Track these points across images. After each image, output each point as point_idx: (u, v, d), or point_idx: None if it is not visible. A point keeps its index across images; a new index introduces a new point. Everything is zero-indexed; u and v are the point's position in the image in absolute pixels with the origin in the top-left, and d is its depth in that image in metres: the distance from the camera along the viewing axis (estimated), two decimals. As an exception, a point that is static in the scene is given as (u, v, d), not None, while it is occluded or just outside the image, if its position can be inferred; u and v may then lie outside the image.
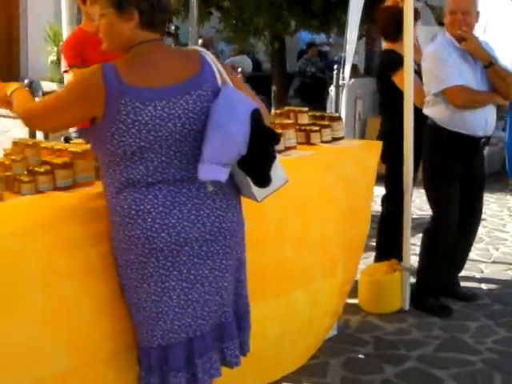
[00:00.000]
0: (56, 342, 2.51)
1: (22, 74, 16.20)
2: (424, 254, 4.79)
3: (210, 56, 2.66)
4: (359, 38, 9.53)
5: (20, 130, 12.18)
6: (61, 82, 13.39)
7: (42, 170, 2.97)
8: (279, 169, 2.75)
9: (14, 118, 13.32)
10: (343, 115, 8.82)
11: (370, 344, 4.27)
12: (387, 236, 5.04)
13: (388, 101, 4.99)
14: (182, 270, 2.57)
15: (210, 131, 2.51)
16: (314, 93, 13.52)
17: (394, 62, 4.79)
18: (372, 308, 4.71)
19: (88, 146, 2.97)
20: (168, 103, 2.50)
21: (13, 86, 2.85)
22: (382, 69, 4.97)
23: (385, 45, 5.10)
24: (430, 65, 4.54)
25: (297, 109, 4.19)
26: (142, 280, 2.57)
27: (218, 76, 2.61)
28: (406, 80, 4.49)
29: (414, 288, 4.81)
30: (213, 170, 2.50)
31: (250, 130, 2.50)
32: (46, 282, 2.50)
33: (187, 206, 2.56)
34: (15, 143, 3.28)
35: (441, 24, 7.32)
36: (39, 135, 6.37)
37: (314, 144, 3.99)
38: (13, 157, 3.05)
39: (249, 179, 2.66)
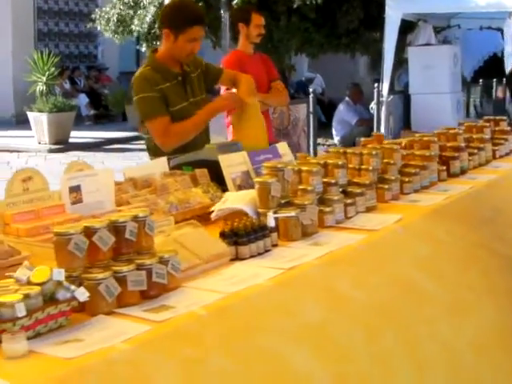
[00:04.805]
0: None
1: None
2: None
3: None
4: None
5: (18, 160, 11.96)
6: (51, 111, 13.17)
7: (412, 171, 3.33)
8: None
9: (10, 151, 13.05)
10: (383, 130, 9.43)
11: None
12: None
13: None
14: None
15: None
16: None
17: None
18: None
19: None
20: None
21: None
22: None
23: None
24: None
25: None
26: None
27: None
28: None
29: None
30: None
31: None
32: None
33: None
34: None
35: None
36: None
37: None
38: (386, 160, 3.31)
39: None
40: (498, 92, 13.94)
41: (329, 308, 2.07)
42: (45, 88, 13.28)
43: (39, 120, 13.31)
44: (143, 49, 11.64)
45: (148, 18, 10.67)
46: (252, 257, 2.28)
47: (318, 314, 2.01)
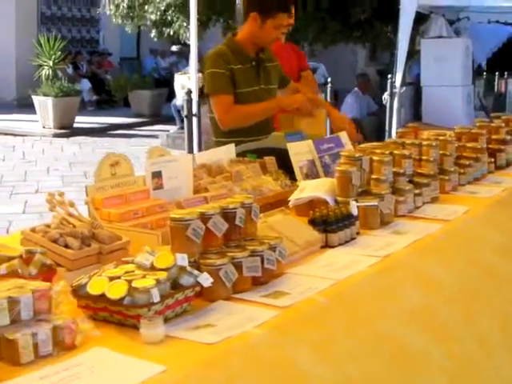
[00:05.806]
0: None
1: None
2: None
3: None
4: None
5: (24, 145, 11.91)
6: (56, 95, 13.11)
7: (466, 162, 3.42)
8: None
9: (15, 134, 12.99)
10: (395, 122, 9.43)
11: None
12: None
13: None
14: None
15: None
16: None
17: None
18: None
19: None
20: None
21: None
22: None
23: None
24: None
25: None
26: None
27: None
28: None
29: None
30: None
31: None
32: None
33: None
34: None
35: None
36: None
37: None
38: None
39: None
40: (500, 86, 13.99)
41: (427, 293, 2.12)
42: (51, 72, 13.21)
43: (44, 104, 13.23)
44: (152, 35, 11.61)
45: (162, 6, 10.64)
46: (340, 244, 2.32)
47: (418, 299, 2.07)
